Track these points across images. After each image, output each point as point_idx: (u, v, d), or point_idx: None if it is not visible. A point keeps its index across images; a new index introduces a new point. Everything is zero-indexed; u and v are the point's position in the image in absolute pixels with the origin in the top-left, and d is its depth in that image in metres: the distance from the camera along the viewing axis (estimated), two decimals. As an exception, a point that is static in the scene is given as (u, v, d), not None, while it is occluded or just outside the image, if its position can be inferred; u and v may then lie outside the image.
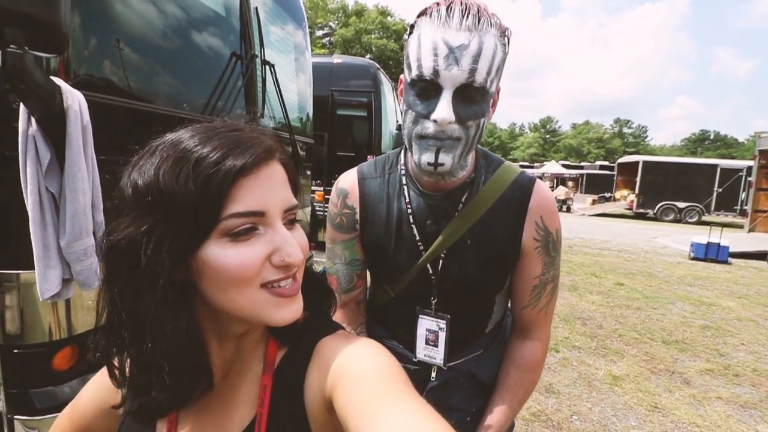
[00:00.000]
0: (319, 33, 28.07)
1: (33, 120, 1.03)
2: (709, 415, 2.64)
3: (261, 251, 0.42)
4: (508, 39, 0.70)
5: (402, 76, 0.77)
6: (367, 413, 0.39)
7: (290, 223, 0.47)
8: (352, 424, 0.39)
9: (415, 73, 0.68)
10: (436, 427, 0.37)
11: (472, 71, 0.64)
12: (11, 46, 0.87)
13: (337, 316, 0.91)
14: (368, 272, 0.96)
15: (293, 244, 0.44)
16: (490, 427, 0.82)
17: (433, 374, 0.89)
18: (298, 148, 2.86)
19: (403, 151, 0.88)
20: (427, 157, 0.70)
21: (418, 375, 0.89)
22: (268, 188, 0.43)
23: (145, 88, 1.53)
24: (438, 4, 0.67)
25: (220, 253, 0.41)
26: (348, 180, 0.89)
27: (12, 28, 0.87)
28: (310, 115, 3.38)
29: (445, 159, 0.70)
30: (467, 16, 0.64)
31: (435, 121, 0.67)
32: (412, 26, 0.73)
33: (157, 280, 0.40)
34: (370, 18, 27.44)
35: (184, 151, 0.41)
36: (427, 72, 0.66)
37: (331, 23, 27.83)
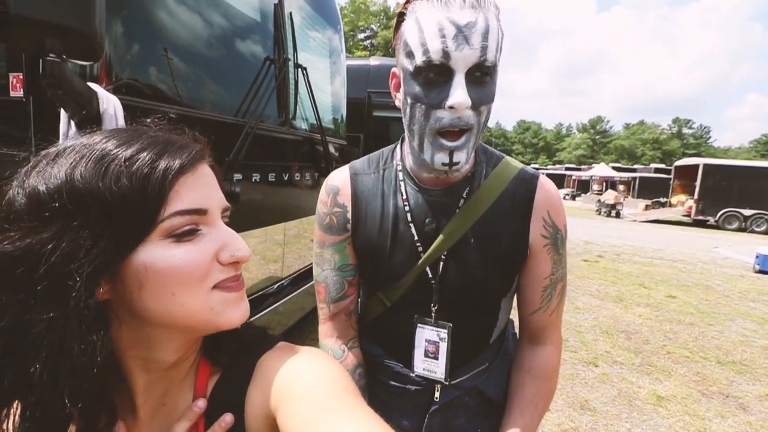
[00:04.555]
0: (361, 36, 28.40)
1: (72, 123, 1.11)
2: (768, 446, 2.38)
3: (209, 249, 0.41)
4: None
5: (395, 70, 0.73)
6: (312, 428, 0.37)
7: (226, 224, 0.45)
8: None
9: (421, 59, 0.63)
10: None
11: (484, 49, 0.61)
12: (50, 55, 0.94)
13: (326, 330, 0.85)
14: (361, 281, 0.88)
15: (240, 239, 0.43)
16: None
17: (437, 394, 0.81)
18: (330, 150, 2.90)
19: (398, 146, 0.83)
20: (441, 158, 0.67)
21: (420, 396, 0.82)
22: (206, 187, 0.42)
23: (180, 92, 1.61)
24: None
25: (164, 254, 0.38)
26: (339, 177, 0.82)
27: (51, 39, 0.93)
28: (344, 116, 3.41)
29: (460, 157, 0.67)
30: None
31: (451, 107, 0.62)
32: (401, 14, 0.68)
33: (66, 297, 0.35)
34: (413, 19, 27.33)
35: (106, 152, 0.38)
36: (436, 55, 0.61)
37: (372, 26, 28.10)
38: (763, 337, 4.09)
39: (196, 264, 0.39)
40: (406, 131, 0.74)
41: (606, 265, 7.02)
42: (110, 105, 1.15)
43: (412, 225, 0.76)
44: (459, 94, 0.62)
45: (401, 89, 0.71)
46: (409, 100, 0.68)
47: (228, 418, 0.44)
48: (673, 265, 7.43)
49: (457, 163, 0.67)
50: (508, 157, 0.82)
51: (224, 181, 0.48)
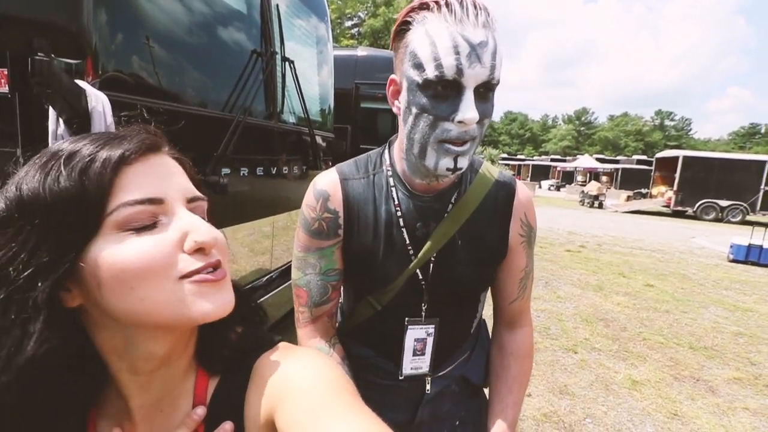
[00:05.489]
0: (348, 24, 28.00)
1: (61, 121, 1.11)
2: (733, 426, 2.53)
3: (168, 238, 0.38)
4: None
5: (395, 78, 0.73)
6: (310, 428, 0.37)
7: (198, 216, 0.42)
8: None
9: (433, 73, 0.64)
10: None
11: (493, 68, 0.64)
12: (39, 54, 0.95)
13: (307, 332, 0.84)
14: (346, 285, 0.88)
15: (203, 224, 0.40)
16: (509, 423, 0.84)
17: (428, 386, 0.86)
18: (318, 142, 2.91)
19: (386, 151, 0.83)
20: (446, 163, 0.69)
21: (412, 390, 0.86)
22: (161, 176, 0.40)
23: (167, 87, 1.61)
24: None
25: (117, 247, 0.37)
26: (328, 181, 0.81)
27: (39, 38, 0.93)
28: (331, 108, 3.41)
29: (463, 163, 0.70)
30: (479, 13, 0.63)
31: (461, 122, 0.65)
32: (406, 22, 0.68)
33: (27, 299, 0.35)
34: (400, 8, 27.17)
35: (51, 155, 0.38)
36: (450, 72, 0.63)
37: (360, 13, 27.72)
38: (733, 323, 4.29)
39: (152, 255, 0.37)
40: (404, 138, 0.74)
41: (588, 255, 7.21)
42: (98, 102, 1.15)
43: (404, 230, 0.79)
44: (469, 110, 0.64)
45: (403, 98, 0.71)
46: (413, 110, 0.68)
47: (227, 427, 0.43)
48: (652, 255, 7.68)
49: (460, 168, 0.70)
50: (486, 162, 0.87)
51: (195, 172, 0.47)
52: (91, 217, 0.36)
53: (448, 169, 0.70)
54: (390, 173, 0.81)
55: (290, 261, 2.89)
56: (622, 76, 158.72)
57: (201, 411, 0.44)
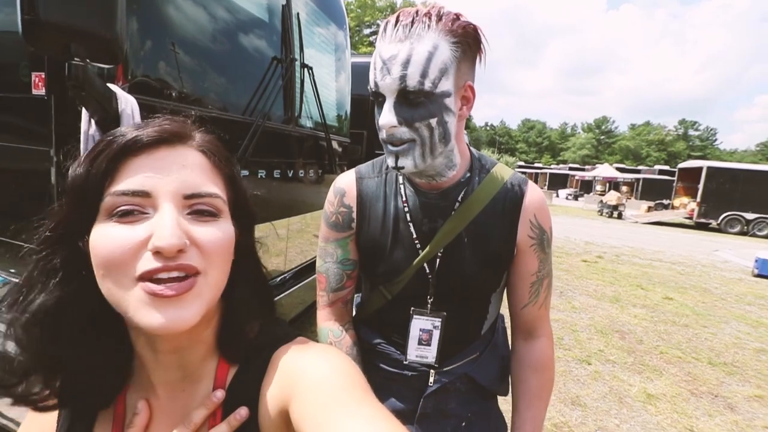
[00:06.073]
0: (367, 31, 28.31)
1: (93, 122, 1.18)
2: (752, 444, 2.45)
3: (138, 233, 0.38)
4: (474, 36, 0.72)
5: None
6: (323, 422, 0.37)
7: (200, 214, 0.41)
8: None
9: (368, 87, 0.76)
10: None
11: (402, 77, 0.69)
12: (75, 59, 1.01)
13: (324, 315, 0.92)
14: (363, 275, 0.95)
15: (168, 227, 0.37)
16: None
17: (431, 379, 0.89)
18: (333, 147, 2.96)
19: None
20: (390, 161, 0.77)
21: (416, 381, 0.89)
22: (162, 169, 0.40)
23: (192, 91, 1.68)
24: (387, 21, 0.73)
25: (101, 233, 0.38)
26: (346, 180, 0.90)
27: (76, 44, 1.00)
28: (348, 114, 3.48)
29: (405, 162, 0.75)
30: (398, 29, 0.70)
31: (381, 126, 0.74)
32: None
33: (52, 257, 0.40)
34: (419, 15, 27.18)
35: (104, 137, 0.41)
36: (371, 84, 0.74)
37: (378, 21, 28.03)
38: (756, 339, 4.15)
39: (117, 245, 0.37)
40: None
41: (605, 266, 7.08)
42: (128, 105, 1.22)
43: (411, 224, 0.84)
44: (384, 116, 0.73)
45: None
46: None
47: (243, 412, 0.44)
48: (672, 268, 7.48)
49: (402, 167, 0.76)
50: (500, 164, 0.89)
51: (227, 167, 0.46)
52: (91, 202, 0.39)
53: (393, 167, 0.77)
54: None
55: (303, 263, 2.94)
56: (644, 84, 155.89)
57: (220, 394, 0.45)
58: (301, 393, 0.41)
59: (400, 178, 0.87)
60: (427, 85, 0.70)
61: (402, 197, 0.85)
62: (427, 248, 0.83)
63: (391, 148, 0.75)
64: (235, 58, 1.96)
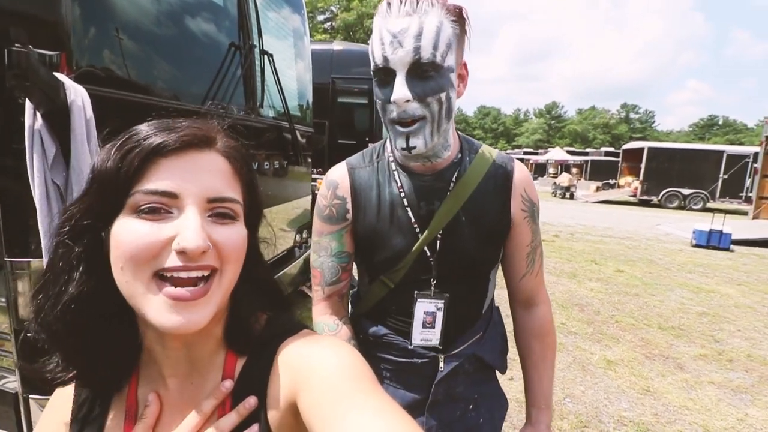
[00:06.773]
0: (320, 18, 27.64)
1: (38, 115, 1.07)
2: (700, 398, 2.70)
3: (165, 231, 0.39)
4: (464, 17, 0.74)
5: None
6: (331, 415, 0.37)
7: (220, 216, 0.43)
8: (316, 426, 0.38)
9: (372, 64, 0.75)
10: (402, 426, 0.36)
11: (417, 49, 0.70)
12: (15, 44, 0.91)
13: (320, 309, 0.91)
14: (360, 268, 0.94)
15: (194, 229, 0.39)
16: (546, 403, 0.91)
17: (441, 364, 0.88)
18: (298, 137, 2.89)
19: (388, 140, 0.89)
20: (400, 143, 0.76)
21: (426, 368, 0.88)
22: (189, 172, 0.42)
23: (146, 80, 1.56)
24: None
25: (124, 226, 0.39)
26: (337, 172, 0.89)
27: (16, 28, 0.90)
28: (310, 103, 3.39)
29: (416, 142, 0.75)
30: (405, 3, 0.70)
31: (394, 101, 0.72)
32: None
33: (74, 245, 0.41)
34: (373, 2, 26.99)
35: (125, 135, 0.42)
36: (379, 60, 0.73)
37: (332, 7, 27.41)
38: (697, 304, 4.55)
39: (143, 240, 0.39)
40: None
41: (561, 244, 7.46)
42: (78, 96, 1.12)
43: (408, 209, 0.84)
44: (398, 90, 0.72)
45: None
46: (376, 99, 0.79)
47: (252, 401, 0.45)
48: (621, 242, 8.01)
49: (413, 147, 0.75)
50: (484, 145, 0.91)
51: (248, 173, 0.49)
52: (119, 196, 0.40)
53: (402, 149, 0.76)
54: (392, 158, 0.88)
55: (270, 259, 2.87)
56: (589, 69, 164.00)
57: (229, 384, 0.46)
58: (309, 385, 0.42)
59: (393, 165, 0.87)
60: (438, 57, 0.71)
61: (397, 183, 0.85)
62: (427, 231, 0.83)
63: (400, 129, 0.74)
64: (192, 45, 1.85)
